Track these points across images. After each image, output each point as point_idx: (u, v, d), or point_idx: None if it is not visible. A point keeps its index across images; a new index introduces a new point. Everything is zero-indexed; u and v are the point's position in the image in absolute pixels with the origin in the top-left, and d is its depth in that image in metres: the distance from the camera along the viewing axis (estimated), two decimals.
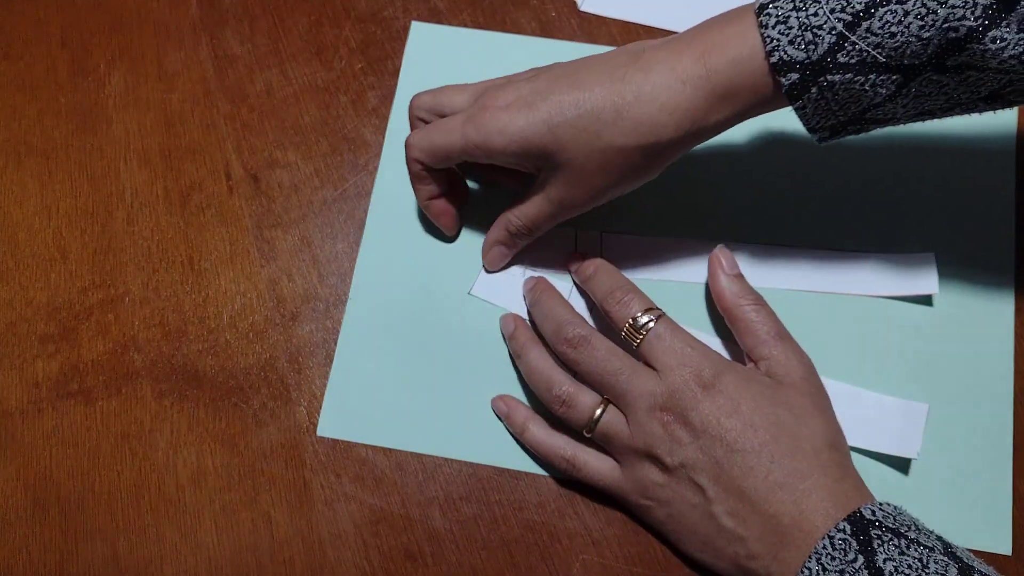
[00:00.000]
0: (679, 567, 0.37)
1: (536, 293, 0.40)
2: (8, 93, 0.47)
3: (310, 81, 0.46)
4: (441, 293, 0.42)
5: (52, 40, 0.48)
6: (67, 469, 0.40)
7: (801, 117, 0.32)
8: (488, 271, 0.42)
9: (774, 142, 0.43)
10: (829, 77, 0.30)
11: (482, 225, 0.43)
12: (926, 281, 0.39)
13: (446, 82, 0.44)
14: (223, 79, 0.47)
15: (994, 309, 0.40)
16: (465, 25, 0.47)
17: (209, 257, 0.43)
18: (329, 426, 0.40)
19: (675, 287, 0.41)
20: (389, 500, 0.39)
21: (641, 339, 0.36)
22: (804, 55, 0.30)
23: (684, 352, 0.35)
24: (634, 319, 0.36)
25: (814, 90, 0.31)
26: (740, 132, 0.43)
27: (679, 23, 0.46)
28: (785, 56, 0.31)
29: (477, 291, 0.42)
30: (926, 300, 0.40)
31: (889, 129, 0.35)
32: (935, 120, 0.33)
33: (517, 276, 0.42)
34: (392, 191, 0.44)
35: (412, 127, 0.41)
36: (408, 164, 0.39)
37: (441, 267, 0.42)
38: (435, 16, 0.47)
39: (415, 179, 0.40)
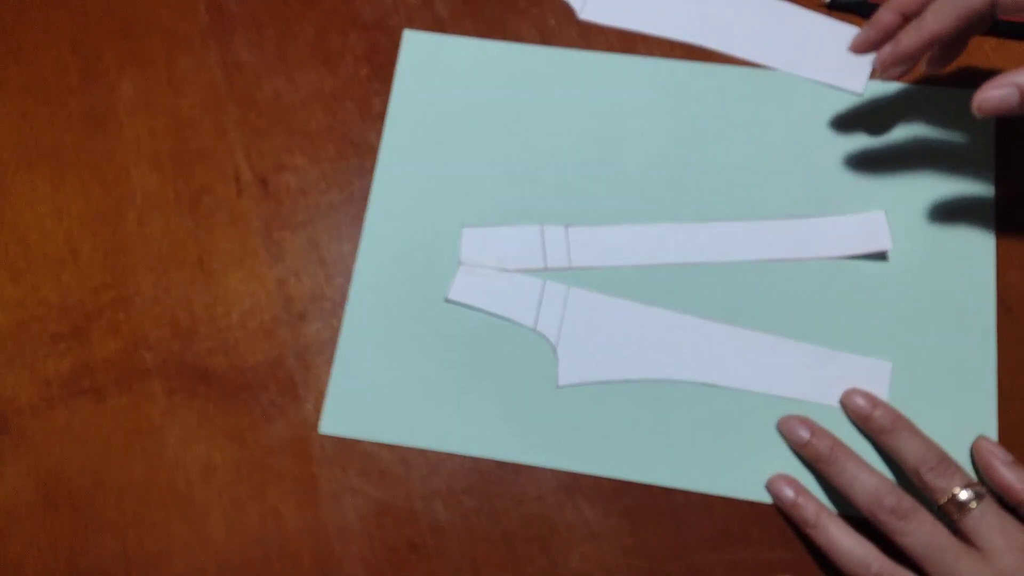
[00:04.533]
0: (675, 559, 0.38)
1: (835, 454, 0.38)
2: (19, 97, 0.48)
3: (317, 88, 0.47)
4: (441, 290, 0.43)
5: (62, 46, 0.49)
6: (78, 465, 0.41)
7: None
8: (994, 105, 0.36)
9: (723, 122, 0.45)
10: None
11: (483, 221, 0.44)
12: (879, 239, 0.42)
13: (440, 89, 0.45)
14: (232, 85, 0.48)
15: (977, 306, 0.41)
16: (467, 33, 0.48)
17: (219, 258, 0.44)
18: (331, 424, 0.41)
19: (653, 270, 0.43)
20: (394, 493, 0.40)
21: (963, 516, 0.35)
22: None
23: (1013, 534, 0.34)
24: (955, 494, 0.35)
25: None
26: (684, 114, 0.44)
27: (677, 32, 0.47)
28: None
29: (454, 296, 0.43)
30: (899, 263, 0.42)
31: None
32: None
33: (493, 279, 0.43)
34: (390, 190, 0.45)
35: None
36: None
37: (441, 264, 0.43)
38: (438, 24, 0.48)
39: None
